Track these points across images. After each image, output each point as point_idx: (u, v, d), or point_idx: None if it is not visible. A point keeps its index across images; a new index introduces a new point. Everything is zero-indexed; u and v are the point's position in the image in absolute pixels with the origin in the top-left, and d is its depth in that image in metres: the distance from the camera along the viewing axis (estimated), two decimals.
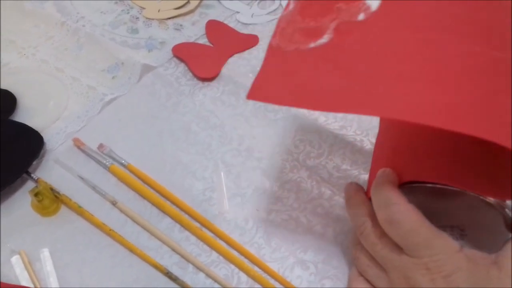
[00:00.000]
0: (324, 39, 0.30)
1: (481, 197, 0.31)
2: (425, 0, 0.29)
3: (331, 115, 0.48)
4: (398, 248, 0.31)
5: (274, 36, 0.33)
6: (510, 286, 0.28)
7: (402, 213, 0.30)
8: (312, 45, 0.31)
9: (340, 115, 0.48)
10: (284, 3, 0.60)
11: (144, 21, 0.59)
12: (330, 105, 0.28)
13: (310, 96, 0.28)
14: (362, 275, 0.35)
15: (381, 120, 0.40)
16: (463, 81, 0.26)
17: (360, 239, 0.34)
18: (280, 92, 0.29)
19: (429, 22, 0.29)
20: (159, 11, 0.60)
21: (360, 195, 0.35)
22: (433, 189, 0.32)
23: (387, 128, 0.38)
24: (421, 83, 0.27)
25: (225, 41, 0.56)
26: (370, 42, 0.29)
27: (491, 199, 0.31)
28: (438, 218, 0.31)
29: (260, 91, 0.30)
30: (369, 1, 0.31)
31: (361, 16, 0.31)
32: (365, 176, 0.43)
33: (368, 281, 0.34)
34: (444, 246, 0.30)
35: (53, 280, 0.38)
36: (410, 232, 0.30)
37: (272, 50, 0.32)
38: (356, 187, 0.36)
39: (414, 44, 0.28)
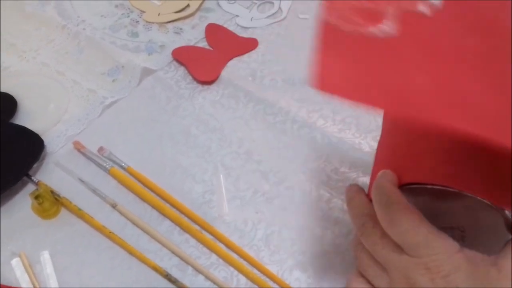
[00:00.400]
0: (387, 26, 0.27)
1: (481, 199, 0.31)
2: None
3: (330, 118, 0.48)
4: (399, 248, 0.31)
5: (325, 11, 0.28)
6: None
7: (401, 212, 0.31)
8: (372, 29, 0.27)
9: (338, 118, 0.48)
10: (283, 7, 0.60)
11: (144, 25, 0.59)
12: (422, 112, 0.24)
13: (396, 98, 0.24)
14: (362, 276, 0.35)
15: (384, 122, 0.40)
16: None
17: (361, 240, 0.34)
18: (352, 85, 0.25)
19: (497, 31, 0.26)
20: (159, 14, 0.60)
21: (361, 196, 0.35)
22: (433, 190, 0.32)
23: (388, 130, 0.38)
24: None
25: (224, 44, 0.56)
26: (445, 42, 0.26)
27: None
28: (438, 219, 0.32)
29: (328, 80, 0.25)
30: None
31: (422, 8, 0.28)
32: (363, 179, 0.43)
33: (368, 281, 0.34)
34: (444, 246, 0.30)
35: (53, 282, 0.39)
36: (409, 231, 0.30)
37: (328, 27, 0.27)
38: (357, 189, 0.36)
39: (487, 52, 0.26)
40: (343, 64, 0.26)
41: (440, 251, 0.30)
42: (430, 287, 0.29)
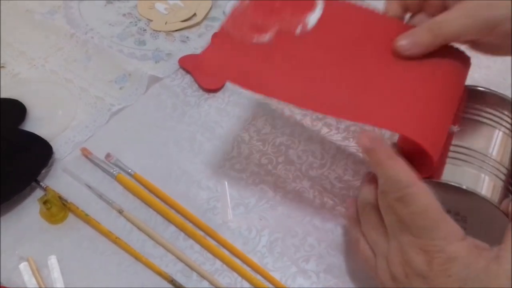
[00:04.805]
0: (265, 38, 0.39)
1: (485, 198, 0.33)
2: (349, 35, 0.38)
3: (333, 127, 0.49)
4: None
5: (226, 21, 0.40)
6: (506, 284, 0.28)
7: (412, 195, 0.30)
8: (254, 40, 0.39)
9: (342, 126, 0.48)
10: None
11: (151, 33, 0.60)
12: (258, 87, 0.37)
13: (246, 79, 0.37)
14: (359, 225, 0.35)
15: None
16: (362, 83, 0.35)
17: (379, 196, 0.33)
18: (222, 68, 0.38)
19: (347, 49, 0.38)
20: (166, 23, 0.61)
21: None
22: (439, 184, 0.33)
23: None
24: (329, 84, 0.36)
25: None
26: (299, 53, 0.38)
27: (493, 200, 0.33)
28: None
29: (205, 62, 0.38)
30: (308, 19, 0.39)
31: (298, 30, 0.39)
32: None
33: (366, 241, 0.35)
34: (446, 232, 0.30)
35: (60, 287, 0.39)
36: (417, 214, 0.30)
37: (222, 33, 0.39)
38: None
39: (329, 59, 0.37)
40: (220, 55, 0.39)
41: (442, 237, 0.30)
42: (424, 268, 0.30)
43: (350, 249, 0.40)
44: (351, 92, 0.35)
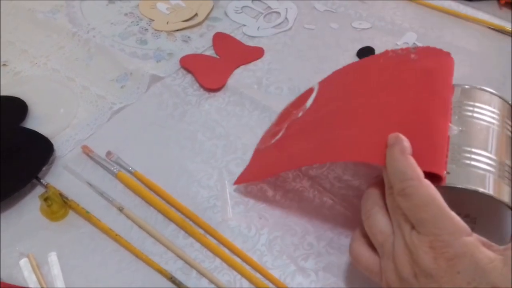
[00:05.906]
0: (279, 135, 0.46)
1: (496, 197, 0.33)
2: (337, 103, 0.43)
3: None
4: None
5: (259, 143, 0.48)
6: None
7: (415, 188, 0.31)
8: (272, 141, 0.46)
9: None
10: (289, 17, 0.61)
11: (153, 33, 0.60)
12: (272, 173, 0.45)
13: (262, 172, 0.44)
14: (365, 237, 0.35)
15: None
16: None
17: (387, 195, 0.33)
18: (252, 175, 0.45)
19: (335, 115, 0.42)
20: (167, 23, 0.61)
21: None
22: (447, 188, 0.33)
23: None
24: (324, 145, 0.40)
25: (231, 53, 0.57)
26: (301, 129, 0.44)
27: (504, 199, 0.33)
28: (451, 207, 0.32)
29: (241, 178, 0.45)
30: (307, 103, 0.47)
31: (300, 114, 0.46)
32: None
33: (370, 244, 0.34)
34: (452, 227, 0.30)
35: (60, 283, 0.39)
36: (419, 207, 0.30)
37: (255, 151, 0.47)
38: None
39: (318, 132, 0.42)
40: (250, 167, 0.46)
41: (448, 232, 0.29)
42: (432, 266, 0.29)
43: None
44: (339, 138, 0.39)
